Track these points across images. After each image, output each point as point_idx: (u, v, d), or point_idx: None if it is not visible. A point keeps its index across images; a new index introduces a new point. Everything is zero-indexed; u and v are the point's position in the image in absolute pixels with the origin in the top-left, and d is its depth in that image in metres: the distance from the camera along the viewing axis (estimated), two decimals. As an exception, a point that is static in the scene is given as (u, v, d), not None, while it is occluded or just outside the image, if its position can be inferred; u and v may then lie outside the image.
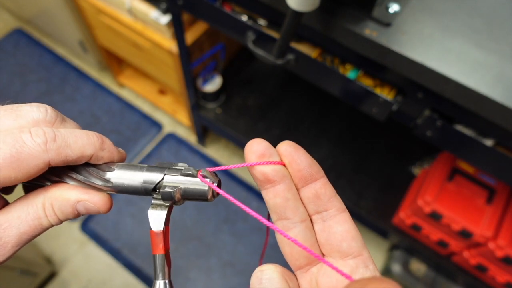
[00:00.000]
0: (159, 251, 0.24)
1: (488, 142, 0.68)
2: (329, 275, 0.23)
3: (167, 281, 0.24)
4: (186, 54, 1.10)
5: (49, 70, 1.78)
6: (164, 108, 1.64)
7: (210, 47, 1.25)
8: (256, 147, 0.23)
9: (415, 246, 1.18)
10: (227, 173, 1.57)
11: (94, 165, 0.25)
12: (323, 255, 0.24)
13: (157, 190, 0.25)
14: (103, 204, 0.25)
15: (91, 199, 0.24)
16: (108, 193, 0.25)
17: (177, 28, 1.01)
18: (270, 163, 0.23)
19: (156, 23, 1.12)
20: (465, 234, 0.99)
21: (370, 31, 0.62)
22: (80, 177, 0.25)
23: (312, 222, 0.24)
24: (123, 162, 0.27)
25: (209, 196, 0.24)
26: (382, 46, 0.61)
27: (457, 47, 0.60)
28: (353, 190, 1.27)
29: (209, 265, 1.39)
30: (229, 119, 1.37)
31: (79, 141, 0.23)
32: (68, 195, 0.24)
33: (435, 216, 1.02)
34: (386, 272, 1.31)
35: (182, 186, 0.24)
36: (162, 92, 1.67)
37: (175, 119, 1.67)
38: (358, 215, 1.25)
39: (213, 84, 1.31)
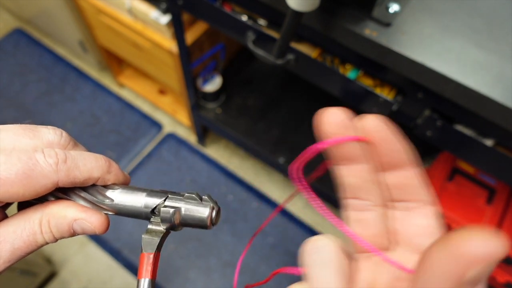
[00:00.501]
0: (147, 275, 0.23)
1: (488, 142, 0.68)
2: (390, 268, 0.21)
3: None
4: (186, 54, 1.10)
5: (49, 70, 1.78)
6: (164, 108, 1.64)
7: (210, 47, 1.25)
8: (334, 117, 0.19)
9: (415, 246, 1.17)
10: (227, 173, 1.57)
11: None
12: (393, 244, 0.22)
13: (157, 213, 0.25)
14: (99, 224, 0.24)
15: (89, 218, 0.24)
16: (106, 214, 0.25)
17: (177, 28, 1.01)
18: (353, 139, 0.19)
19: (156, 23, 1.12)
20: (465, 234, 0.98)
21: (370, 31, 0.62)
22: (83, 193, 0.25)
23: (392, 207, 0.22)
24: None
25: (208, 223, 0.24)
26: (382, 46, 0.61)
27: (457, 47, 0.60)
28: (353, 190, 1.26)
29: (208, 265, 1.39)
30: (229, 119, 1.37)
31: (87, 164, 0.24)
32: (65, 213, 0.24)
33: (435, 216, 1.02)
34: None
35: (183, 208, 0.24)
36: (162, 92, 1.67)
37: (175, 119, 1.67)
38: (358, 215, 1.25)
39: (213, 84, 1.31)
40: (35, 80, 1.75)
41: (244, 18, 0.82)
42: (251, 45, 0.79)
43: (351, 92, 0.76)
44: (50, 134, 0.24)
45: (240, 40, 0.84)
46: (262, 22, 0.82)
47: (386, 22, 0.62)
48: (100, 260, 1.39)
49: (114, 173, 0.26)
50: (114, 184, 0.26)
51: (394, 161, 0.20)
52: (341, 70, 0.77)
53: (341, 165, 0.21)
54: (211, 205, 0.24)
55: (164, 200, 0.25)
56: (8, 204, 0.25)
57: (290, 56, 0.77)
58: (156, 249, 0.24)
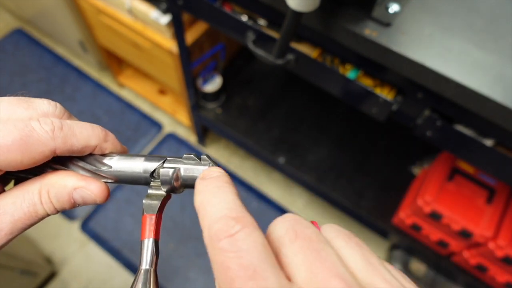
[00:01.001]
0: (150, 235, 0.23)
1: (488, 142, 0.68)
2: None
3: (152, 270, 0.22)
4: (186, 54, 1.10)
5: (49, 70, 1.78)
6: (164, 108, 1.64)
7: (210, 47, 1.25)
8: None
9: (415, 246, 1.18)
10: (227, 172, 1.56)
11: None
12: None
13: (156, 176, 0.24)
14: (100, 192, 0.24)
15: (88, 186, 0.24)
16: (105, 182, 0.25)
17: (177, 28, 1.01)
18: None
19: (156, 23, 1.12)
20: (465, 234, 0.99)
21: (370, 31, 0.62)
22: (81, 162, 0.25)
23: None
24: None
25: None
26: (382, 46, 0.61)
27: (457, 47, 0.60)
28: (353, 190, 1.27)
29: (208, 265, 1.38)
30: (229, 119, 1.37)
31: (84, 132, 0.24)
32: (65, 182, 0.24)
33: (435, 216, 1.02)
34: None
35: (182, 168, 0.24)
36: (162, 92, 1.67)
37: (175, 119, 1.67)
38: (358, 215, 1.25)
39: (213, 84, 1.31)
40: (35, 80, 1.75)
41: (244, 18, 0.82)
42: (251, 45, 0.79)
43: (351, 92, 0.76)
44: (44, 105, 0.25)
45: (240, 40, 0.84)
46: (262, 22, 0.82)
47: (386, 22, 0.62)
48: (100, 260, 1.39)
49: (111, 141, 0.26)
50: (111, 152, 0.26)
51: None
52: (341, 70, 0.77)
53: None
54: (210, 163, 0.24)
55: (163, 163, 0.24)
56: (6, 180, 0.25)
57: (290, 56, 0.77)
58: (158, 211, 0.24)
